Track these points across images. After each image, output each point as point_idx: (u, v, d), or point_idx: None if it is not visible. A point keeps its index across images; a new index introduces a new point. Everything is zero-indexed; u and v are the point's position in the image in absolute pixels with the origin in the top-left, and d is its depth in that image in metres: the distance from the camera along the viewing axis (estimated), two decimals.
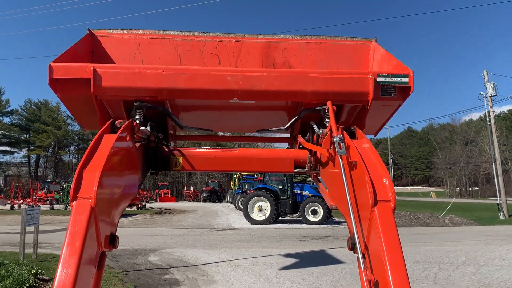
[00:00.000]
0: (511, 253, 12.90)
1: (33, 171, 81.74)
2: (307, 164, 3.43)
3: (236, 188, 42.39)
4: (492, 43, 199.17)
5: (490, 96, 34.40)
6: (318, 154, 3.33)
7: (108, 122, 2.81)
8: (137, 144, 3.15)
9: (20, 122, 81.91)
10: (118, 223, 2.71)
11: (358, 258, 2.29)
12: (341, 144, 2.58)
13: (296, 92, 3.06)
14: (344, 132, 2.75)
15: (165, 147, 3.53)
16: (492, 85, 34.19)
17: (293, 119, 3.20)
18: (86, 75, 2.86)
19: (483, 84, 34.87)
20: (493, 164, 35.37)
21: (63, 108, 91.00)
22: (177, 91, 3.01)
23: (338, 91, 3.05)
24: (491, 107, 34.89)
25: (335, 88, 3.05)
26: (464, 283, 8.96)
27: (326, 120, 3.10)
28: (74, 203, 2.18)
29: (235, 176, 45.22)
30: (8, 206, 38.11)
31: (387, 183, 2.42)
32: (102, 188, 2.25)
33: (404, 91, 3.16)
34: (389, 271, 2.08)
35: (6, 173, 79.31)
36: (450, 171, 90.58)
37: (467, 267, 10.69)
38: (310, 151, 3.37)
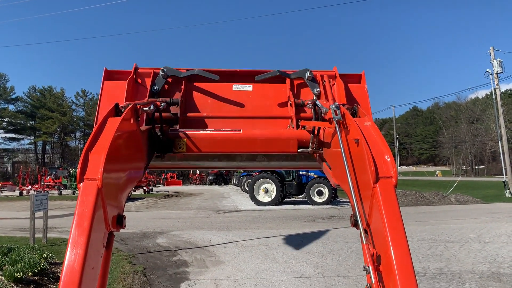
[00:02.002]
0: None
1: (40, 157, 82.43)
2: (310, 144, 3.46)
3: (241, 171, 42.54)
4: (499, 19, 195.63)
5: (497, 73, 34.02)
6: (321, 133, 3.37)
7: (112, 106, 2.83)
8: (143, 127, 3.18)
9: (25, 109, 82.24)
10: (124, 204, 2.76)
11: (360, 233, 2.33)
12: (337, 111, 2.73)
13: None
14: (341, 106, 2.82)
15: (170, 130, 3.55)
16: (498, 62, 33.78)
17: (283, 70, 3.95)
18: (131, 68, 3.93)
19: (490, 61, 34.46)
20: (499, 142, 35.21)
21: (67, 93, 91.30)
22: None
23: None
24: (498, 84, 34.52)
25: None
26: (469, 260, 9.02)
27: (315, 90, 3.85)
28: (81, 184, 2.21)
29: None
30: (17, 192, 38.71)
31: (388, 159, 2.44)
32: (108, 170, 2.28)
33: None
34: (391, 245, 2.12)
35: (13, 160, 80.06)
36: (456, 149, 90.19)
37: (472, 244, 10.76)
38: (313, 131, 3.40)
